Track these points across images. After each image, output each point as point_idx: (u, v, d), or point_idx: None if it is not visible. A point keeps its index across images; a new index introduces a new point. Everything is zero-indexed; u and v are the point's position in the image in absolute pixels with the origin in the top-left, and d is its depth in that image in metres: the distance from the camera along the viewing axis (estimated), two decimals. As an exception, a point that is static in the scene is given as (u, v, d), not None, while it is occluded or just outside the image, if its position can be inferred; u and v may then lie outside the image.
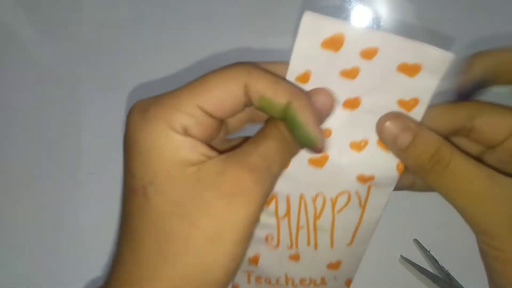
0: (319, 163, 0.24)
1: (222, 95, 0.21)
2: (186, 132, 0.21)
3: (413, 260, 0.40)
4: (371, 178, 0.24)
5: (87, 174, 0.43)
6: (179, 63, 0.44)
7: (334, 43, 0.21)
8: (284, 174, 0.24)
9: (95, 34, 0.45)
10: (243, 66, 0.21)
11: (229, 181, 0.20)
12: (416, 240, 0.41)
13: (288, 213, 0.26)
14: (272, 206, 0.26)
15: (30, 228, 0.43)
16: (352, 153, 0.24)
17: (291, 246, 0.27)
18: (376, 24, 0.44)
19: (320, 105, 0.22)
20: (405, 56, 0.21)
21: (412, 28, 0.44)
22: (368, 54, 0.21)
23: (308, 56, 0.22)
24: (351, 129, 0.24)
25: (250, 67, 0.21)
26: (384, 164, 0.24)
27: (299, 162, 0.24)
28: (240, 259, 0.21)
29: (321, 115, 0.22)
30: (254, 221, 0.20)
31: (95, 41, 0.45)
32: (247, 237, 0.20)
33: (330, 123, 0.23)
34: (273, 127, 0.22)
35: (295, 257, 0.27)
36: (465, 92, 0.23)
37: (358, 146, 0.24)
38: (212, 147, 0.22)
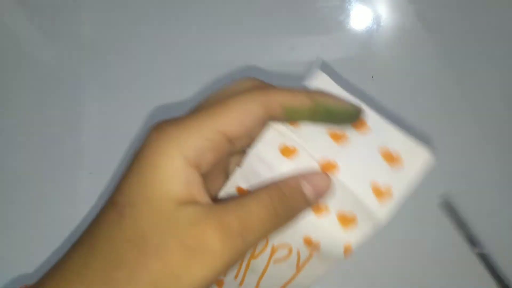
0: None
1: (244, 117, 0.21)
2: (196, 159, 0.20)
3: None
4: (316, 245, 0.24)
5: (87, 174, 0.43)
6: (180, 62, 0.44)
7: None
8: None
9: (95, 34, 0.45)
10: (259, 86, 0.22)
11: (195, 235, 0.19)
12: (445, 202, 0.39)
13: None
14: None
15: (30, 228, 0.43)
16: (310, 215, 0.24)
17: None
18: (376, 24, 0.44)
19: (318, 185, 0.22)
20: (391, 143, 0.22)
21: (412, 28, 0.44)
22: (360, 127, 0.23)
23: None
24: None
25: (264, 87, 0.22)
26: (334, 238, 0.23)
27: None
28: None
29: (320, 195, 0.23)
30: (207, 284, 0.19)
31: (95, 41, 0.45)
32: None
33: None
34: (265, 193, 0.21)
35: (220, 284, 0.27)
36: None
37: (319, 210, 0.24)
38: (207, 191, 0.21)
